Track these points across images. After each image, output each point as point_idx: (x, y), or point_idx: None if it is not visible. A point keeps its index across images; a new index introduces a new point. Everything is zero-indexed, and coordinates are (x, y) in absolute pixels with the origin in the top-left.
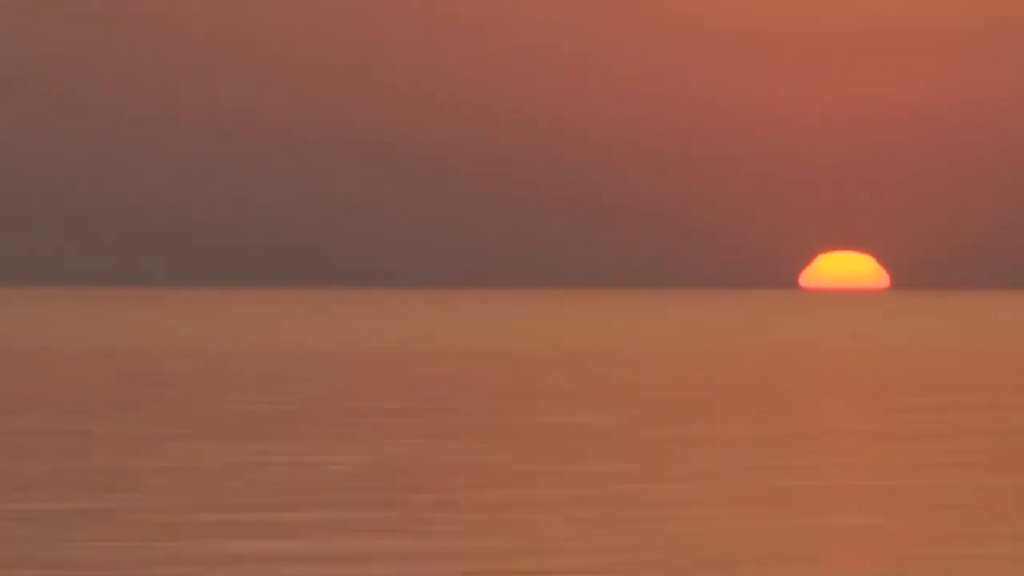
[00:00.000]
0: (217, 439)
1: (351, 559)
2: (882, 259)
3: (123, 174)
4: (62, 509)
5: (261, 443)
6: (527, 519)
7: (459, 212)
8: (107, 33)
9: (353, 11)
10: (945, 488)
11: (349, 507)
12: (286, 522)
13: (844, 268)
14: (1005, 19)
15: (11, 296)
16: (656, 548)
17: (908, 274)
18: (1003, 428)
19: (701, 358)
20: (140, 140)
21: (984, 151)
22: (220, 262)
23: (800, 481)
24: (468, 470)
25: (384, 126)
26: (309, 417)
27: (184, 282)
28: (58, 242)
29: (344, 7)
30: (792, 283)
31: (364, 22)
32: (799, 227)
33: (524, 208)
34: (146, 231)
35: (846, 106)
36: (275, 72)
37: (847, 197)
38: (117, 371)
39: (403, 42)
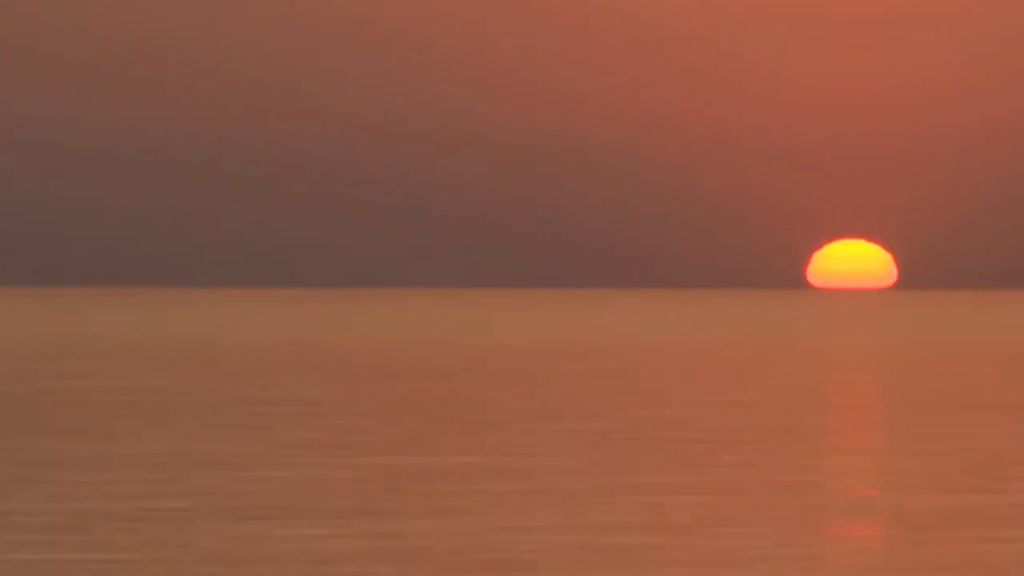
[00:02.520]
0: None
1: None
2: (889, 248)
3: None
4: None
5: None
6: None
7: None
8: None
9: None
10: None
11: None
12: None
13: (851, 257)
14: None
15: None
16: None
17: (915, 264)
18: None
19: (705, 357)
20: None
21: (993, 137)
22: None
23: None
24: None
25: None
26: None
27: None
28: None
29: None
30: (799, 272)
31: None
32: (806, 215)
33: (522, 208)
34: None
35: (852, 90)
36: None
37: (855, 185)
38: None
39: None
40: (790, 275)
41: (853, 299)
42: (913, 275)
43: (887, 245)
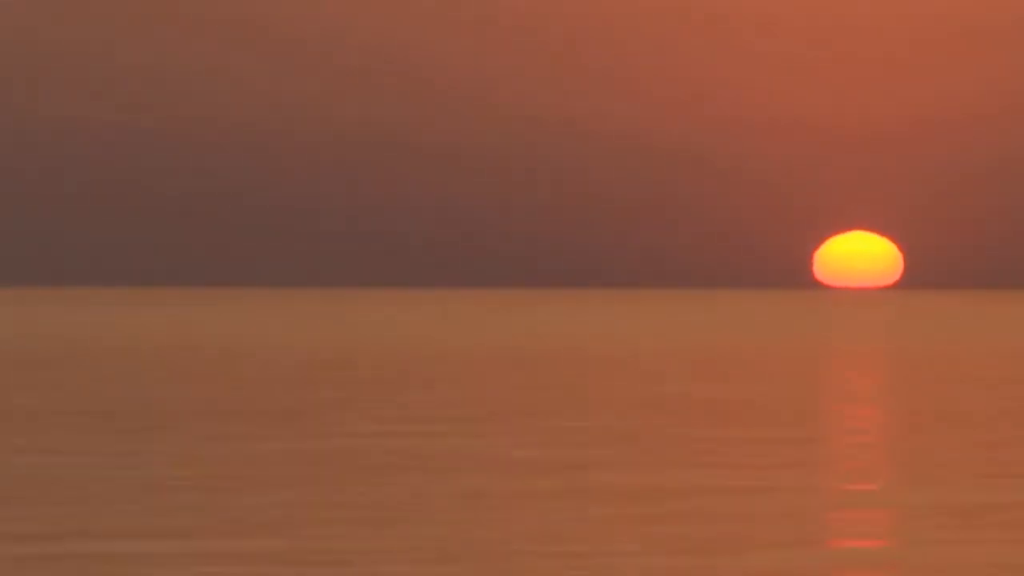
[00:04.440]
0: None
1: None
2: (896, 240)
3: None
4: None
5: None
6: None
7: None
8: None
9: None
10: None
11: None
12: None
13: (857, 249)
14: None
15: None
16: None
17: (921, 256)
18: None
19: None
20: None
21: (999, 124)
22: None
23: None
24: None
25: (389, 123)
26: None
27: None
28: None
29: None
30: (805, 265)
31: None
32: (812, 207)
33: (523, 208)
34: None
35: (853, 82)
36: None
37: (860, 177)
38: None
39: (405, 38)
40: (793, 271)
41: (859, 298)
42: (920, 270)
43: (894, 237)
